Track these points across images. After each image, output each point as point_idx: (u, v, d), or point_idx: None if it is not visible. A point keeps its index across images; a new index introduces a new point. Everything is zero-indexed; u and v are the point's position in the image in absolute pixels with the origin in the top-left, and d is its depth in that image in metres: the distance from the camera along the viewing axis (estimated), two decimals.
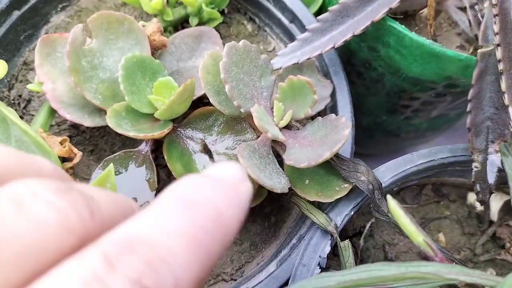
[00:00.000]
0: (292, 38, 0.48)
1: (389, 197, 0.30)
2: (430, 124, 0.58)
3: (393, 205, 0.30)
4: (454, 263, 0.46)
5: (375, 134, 0.62)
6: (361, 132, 0.63)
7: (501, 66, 0.34)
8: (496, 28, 0.34)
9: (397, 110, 0.53)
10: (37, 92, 0.44)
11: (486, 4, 0.38)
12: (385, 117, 0.56)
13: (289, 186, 0.37)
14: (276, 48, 0.51)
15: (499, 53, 0.34)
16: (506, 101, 0.34)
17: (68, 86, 0.40)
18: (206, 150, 0.42)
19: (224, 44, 0.47)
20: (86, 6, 0.49)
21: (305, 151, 0.38)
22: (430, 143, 0.74)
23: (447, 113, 0.54)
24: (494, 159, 0.40)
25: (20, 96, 0.46)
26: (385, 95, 0.51)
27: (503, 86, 0.34)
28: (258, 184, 0.35)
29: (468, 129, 0.40)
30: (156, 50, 0.42)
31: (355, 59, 0.49)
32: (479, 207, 0.47)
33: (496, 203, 0.46)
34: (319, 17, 0.41)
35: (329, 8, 0.41)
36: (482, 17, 0.42)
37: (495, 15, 0.34)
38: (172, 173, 0.39)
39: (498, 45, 0.34)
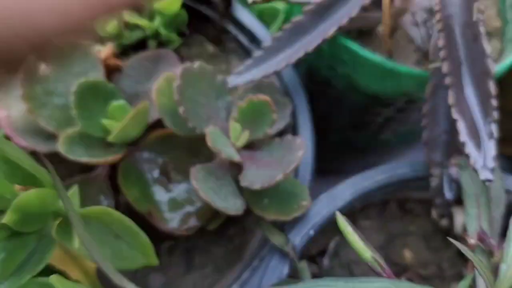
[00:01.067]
0: None
1: (337, 213, 0.30)
2: (398, 138, 0.58)
3: (341, 222, 0.30)
4: (421, 278, 0.46)
5: (344, 151, 0.62)
6: (330, 149, 0.63)
7: (447, 80, 0.34)
8: (441, 42, 0.35)
9: (363, 126, 0.53)
10: None
11: (435, 18, 0.39)
12: (351, 133, 0.56)
13: (244, 208, 0.37)
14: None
15: (445, 68, 0.35)
16: (454, 115, 0.34)
17: (22, 113, 0.39)
18: (163, 173, 0.41)
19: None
20: None
21: (261, 172, 0.38)
22: (403, 157, 0.74)
23: (412, 127, 0.54)
24: (451, 173, 0.40)
25: None
26: (348, 112, 0.51)
27: (450, 100, 0.34)
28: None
29: (425, 144, 0.41)
30: (112, 73, 0.42)
31: (317, 77, 0.49)
32: (444, 222, 0.46)
33: (460, 216, 0.45)
34: (273, 35, 0.42)
35: (283, 27, 0.41)
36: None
37: (439, 31, 0.35)
38: (128, 199, 0.39)
39: (444, 59, 0.35)
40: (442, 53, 0.34)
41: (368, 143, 0.58)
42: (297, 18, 0.40)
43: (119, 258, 0.31)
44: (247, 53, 0.49)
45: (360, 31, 0.45)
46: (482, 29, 0.35)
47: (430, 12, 0.44)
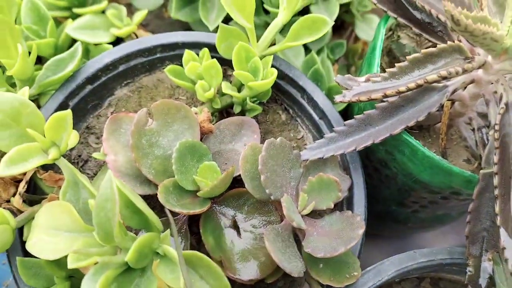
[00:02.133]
0: (319, 130, 0.55)
1: None
2: (435, 218, 0.64)
3: None
4: None
5: (386, 220, 0.67)
6: (374, 217, 0.69)
7: (496, 192, 0.40)
8: (495, 158, 0.41)
9: (406, 204, 0.59)
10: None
11: (491, 132, 0.44)
12: (395, 208, 0.61)
13: (304, 271, 0.43)
14: (304, 136, 0.57)
15: (496, 180, 0.40)
16: (498, 222, 0.39)
17: (127, 159, 0.46)
18: (235, 226, 0.48)
19: (260, 130, 0.54)
20: (147, 84, 0.57)
21: (321, 240, 0.44)
22: (436, 232, 0.79)
23: (450, 212, 0.60)
24: (487, 266, 0.45)
25: (79, 156, 0.53)
26: (397, 190, 0.57)
27: (497, 209, 0.40)
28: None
29: (466, 237, 0.46)
30: (204, 134, 0.49)
31: (373, 157, 0.56)
32: None
33: None
34: (346, 122, 0.48)
35: (355, 116, 0.48)
36: (487, 139, 0.48)
37: (496, 148, 0.41)
38: (205, 245, 0.45)
39: (496, 173, 0.40)
40: (496, 168, 0.40)
41: (407, 219, 0.64)
42: (369, 111, 0.47)
43: None
44: (315, 126, 0.56)
45: (421, 125, 0.52)
46: None
47: (486, 119, 0.50)
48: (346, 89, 0.46)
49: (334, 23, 0.66)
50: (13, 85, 0.52)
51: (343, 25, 0.79)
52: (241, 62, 0.49)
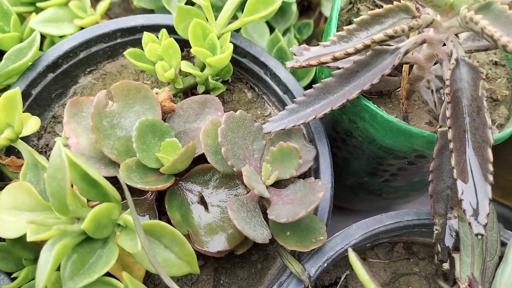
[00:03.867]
0: (284, 106, 0.56)
1: (349, 249, 0.36)
2: (410, 186, 0.64)
3: (352, 257, 0.36)
4: None
5: (359, 193, 0.68)
6: (347, 191, 0.69)
7: (451, 145, 0.41)
8: (448, 113, 0.41)
9: (377, 173, 0.59)
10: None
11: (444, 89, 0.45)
12: (367, 179, 0.62)
13: (270, 238, 0.43)
14: (271, 113, 0.58)
15: (450, 134, 0.41)
16: (455, 175, 0.40)
17: (89, 141, 0.47)
18: (203, 202, 0.48)
19: (227, 109, 0.55)
20: (111, 70, 0.57)
21: (286, 208, 0.44)
22: (414, 202, 0.79)
23: (423, 179, 0.60)
24: (453, 224, 0.46)
25: (47, 145, 0.53)
26: (365, 160, 0.57)
27: (453, 162, 0.40)
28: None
29: (430, 196, 0.46)
30: (166, 114, 0.50)
31: (339, 128, 0.56)
32: (445, 265, 0.52)
33: (458, 263, 0.51)
34: (305, 92, 0.49)
35: (313, 86, 0.48)
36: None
37: (448, 102, 0.41)
38: (171, 220, 0.46)
39: (449, 127, 0.41)
40: (449, 122, 0.41)
41: (380, 189, 0.64)
42: (326, 79, 0.47)
43: (167, 266, 0.38)
44: (280, 102, 0.56)
45: (381, 91, 0.52)
46: (485, 104, 0.41)
47: (442, 80, 0.50)
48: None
49: (297, 5, 0.67)
50: None
51: (310, 6, 0.80)
52: (198, 39, 0.49)
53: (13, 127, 0.40)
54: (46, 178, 0.33)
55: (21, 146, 0.41)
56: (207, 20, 0.52)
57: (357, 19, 0.42)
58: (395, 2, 0.42)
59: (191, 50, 0.49)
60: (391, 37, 0.41)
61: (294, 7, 0.68)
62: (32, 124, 0.44)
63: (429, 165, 0.53)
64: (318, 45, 0.45)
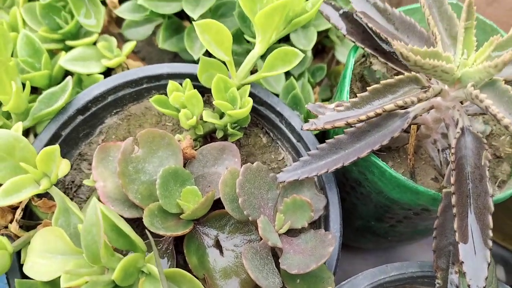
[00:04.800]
0: (297, 152, 0.59)
1: None
2: (414, 232, 0.67)
3: None
4: None
5: (366, 235, 0.71)
6: (355, 232, 0.72)
7: (454, 210, 0.43)
8: (452, 179, 0.44)
9: (384, 219, 0.62)
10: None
11: (449, 155, 0.48)
12: (374, 223, 0.65)
13: (281, 286, 0.46)
14: (285, 158, 0.61)
15: (453, 200, 0.44)
16: (457, 238, 0.43)
17: (115, 185, 0.50)
18: (218, 245, 0.51)
19: (241, 154, 0.58)
20: (135, 112, 0.60)
21: (297, 258, 0.47)
22: (419, 243, 0.82)
23: (428, 225, 0.63)
24: (454, 278, 0.48)
25: (73, 182, 0.57)
26: (373, 207, 0.60)
27: (455, 225, 0.43)
28: None
29: (434, 251, 0.49)
30: (187, 159, 0.53)
31: (349, 176, 0.59)
32: None
33: None
34: (318, 146, 0.52)
35: (327, 141, 0.51)
36: None
37: (453, 169, 0.44)
38: (189, 264, 0.49)
39: (453, 193, 0.44)
40: (453, 188, 0.44)
41: (386, 233, 0.67)
42: (339, 136, 0.50)
43: None
44: (293, 148, 0.59)
45: (389, 147, 0.55)
46: (487, 173, 0.44)
47: (448, 140, 0.53)
48: (317, 116, 0.50)
49: (311, 49, 0.70)
50: (9, 117, 0.56)
51: (324, 49, 0.83)
52: (220, 92, 0.53)
53: (50, 177, 0.43)
54: (82, 231, 0.36)
55: (54, 191, 0.44)
56: (228, 71, 0.56)
57: (370, 88, 0.45)
58: (406, 73, 0.45)
59: (214, 103, 0.52)
60: (401, 107, 0.44)
61: (310, 53, 0.72)
62: (63, 168, 0.47)
63: (432, 216, 0.56)
64: (334, 99, 0.49)
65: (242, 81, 0.55)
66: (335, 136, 0.51)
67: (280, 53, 0.53)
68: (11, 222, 0.47)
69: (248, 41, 0.68)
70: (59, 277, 0.39)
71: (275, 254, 0.50)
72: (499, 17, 0.76)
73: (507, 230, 0.82)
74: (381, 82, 0.45)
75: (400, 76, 0.45)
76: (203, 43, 0.51)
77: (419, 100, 0.43)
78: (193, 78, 0.58)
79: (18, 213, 0.47)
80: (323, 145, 0.51)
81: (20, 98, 0.49)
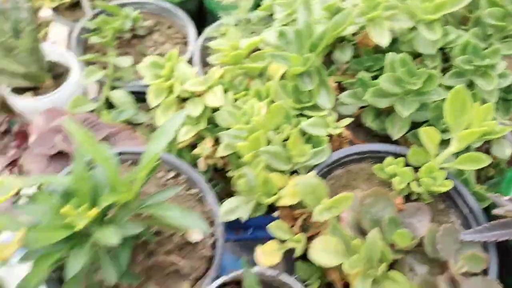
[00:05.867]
0: (465, 219, 0.83)
1: None
2: None
3: None
4: None
5: None
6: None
7: None
8: None
9: None
10: None
11: None
12: None
13: None
14: (454, 222, 0.86)
15: None
16: None
17: (352, 217, 0.78)
18: (412, 269, 0.76)
19: None
20: (353, 169, 0.89)
21: None
22: None
23: None
24: None
25: None
26: None
27: None
28: None
29: None
30: (399, 211, 0.80)
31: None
32: None
33: None
34: (492, 222, 0.76)
35: (500, 220, 0.75)
36: None
37: None
38: None
39: None
40: None
41: None
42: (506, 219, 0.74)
43: None
44: (461, 215, 0.84)
45: None
46: None
47: None
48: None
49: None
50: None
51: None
52: (426, 173, 0.80)
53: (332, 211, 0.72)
54: (364, 248, 0.64)
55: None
56: (431, 156, 0.83)
57: None
58: None
59: (420, 181, 0.79)
60: None
61: None
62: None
63: None
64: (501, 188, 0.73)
65: (440, 165, 0.82)
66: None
67: (472, 157, 0.78)
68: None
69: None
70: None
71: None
72: None
73: None
74: None
75: None
76: (423, 143, 0.78)
77: None
78: (400, 155, 0.85)
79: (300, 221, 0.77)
80: (495, 222, 0.76)
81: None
